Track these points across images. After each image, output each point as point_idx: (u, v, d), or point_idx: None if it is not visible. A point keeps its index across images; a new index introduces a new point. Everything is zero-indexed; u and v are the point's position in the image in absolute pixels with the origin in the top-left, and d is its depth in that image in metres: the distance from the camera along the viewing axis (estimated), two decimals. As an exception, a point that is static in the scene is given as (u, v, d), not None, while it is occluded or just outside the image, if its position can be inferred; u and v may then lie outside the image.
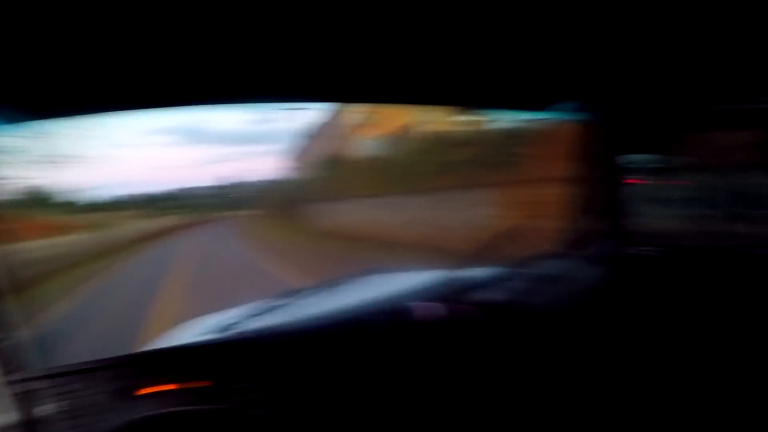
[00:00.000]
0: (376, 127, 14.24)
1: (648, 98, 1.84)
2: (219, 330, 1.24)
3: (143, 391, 1.06)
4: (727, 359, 1.67)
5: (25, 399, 1.02)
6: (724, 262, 1.81)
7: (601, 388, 1.66)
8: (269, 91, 1.41)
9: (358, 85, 1.48)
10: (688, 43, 1.37)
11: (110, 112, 1.26)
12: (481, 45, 1.30)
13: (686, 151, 2.14)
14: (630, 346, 1.79)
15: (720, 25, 1.23)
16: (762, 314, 1.64)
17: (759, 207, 1.92)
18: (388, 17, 1.08)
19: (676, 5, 1.12)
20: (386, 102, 1.85)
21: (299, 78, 1.36)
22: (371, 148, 14.90)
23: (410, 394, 1.19)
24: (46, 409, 1.03)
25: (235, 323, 1.25)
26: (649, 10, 1.14)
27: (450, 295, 1.35)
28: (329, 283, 1.43)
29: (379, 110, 12.18)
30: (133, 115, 1.29)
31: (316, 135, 16.60)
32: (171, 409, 1.04)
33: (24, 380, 1.03)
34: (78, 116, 1.21)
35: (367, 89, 1.52)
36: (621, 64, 1.55)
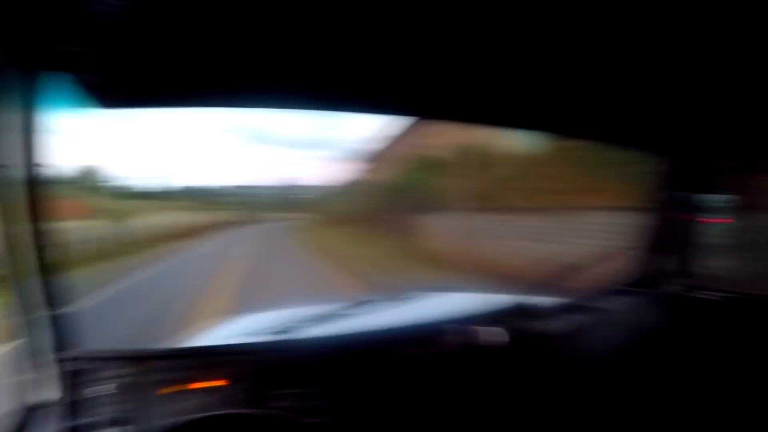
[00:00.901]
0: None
1: (718, 137, 1.80)
2: (273, 332, 1.24)
3: (191, 386, 1.08)
4: None
5: (71, 378, 1.05)
6: None
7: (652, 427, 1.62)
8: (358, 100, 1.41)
9: (447, 103, 1.44)
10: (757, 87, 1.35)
11: (183, 106, 1.32)
12: (577, 79, 1.29)
13: (758, 192, 2.06)
14: (683, 391, 1.74)
15: None
16: None
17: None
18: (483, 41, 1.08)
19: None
20: (474, 123, 1.80)
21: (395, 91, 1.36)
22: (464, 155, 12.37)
23: (464, 415, 1.16)
24: (91, 390, 1.06)
25: (289, 327, 1.25)
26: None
27: (513, 321, 1.32)
28: (392, 296, 1.43)
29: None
30: (202, 110, 1.37)
31: (404, 136, 14.99)
32: (216, 412, 1.05)
33: (71, 359, 1.06)
34: (151, 107, 1.30)
35: (453, 108, 1.49)
36: (692, 105, 1.52)
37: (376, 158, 17.59)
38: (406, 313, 1.38)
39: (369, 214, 16.63)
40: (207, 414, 0.93)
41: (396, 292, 1.44)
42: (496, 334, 1.27)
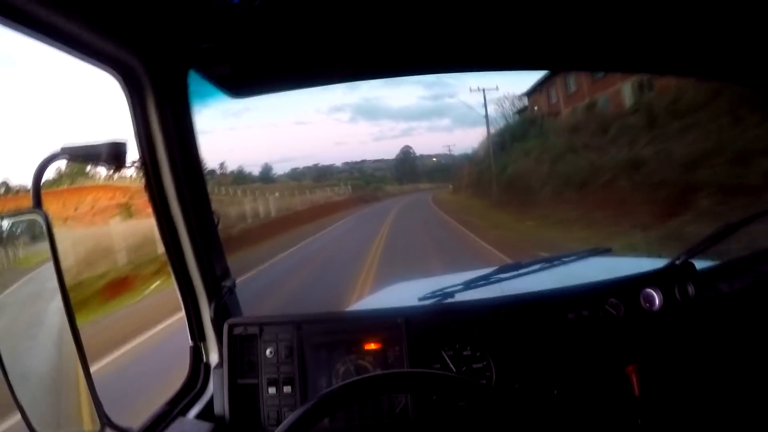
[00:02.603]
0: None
1: None
2: (435, 296, 1.28)
3: (350, 349, 1.14)
4: None
5: (238, 342, 1.16)
6: None
7: None
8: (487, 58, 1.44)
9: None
10: None
11: (302, 86, 1.43)
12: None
13: None
14: None
15: None
16: None
17: None
18: None
19: None
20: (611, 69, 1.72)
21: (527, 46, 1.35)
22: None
23: (623, 379, 1.12)
24: (255, 353, 1.16)
25: (452, 291, 1.29)
26: None
27: (672, 284, 1.23)
28: (549, 260, 1.40)
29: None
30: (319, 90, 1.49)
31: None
32: (375, 373, 1.09)
33: (237, 325, 1.17)
34: (274, 91, 1.43)
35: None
36: None
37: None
38: (562, 277, 1.37)
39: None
40: (365, 376, 0.95)
41: (549, 256, 1.41)
42: (653, 297, 1.22)
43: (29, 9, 0.74)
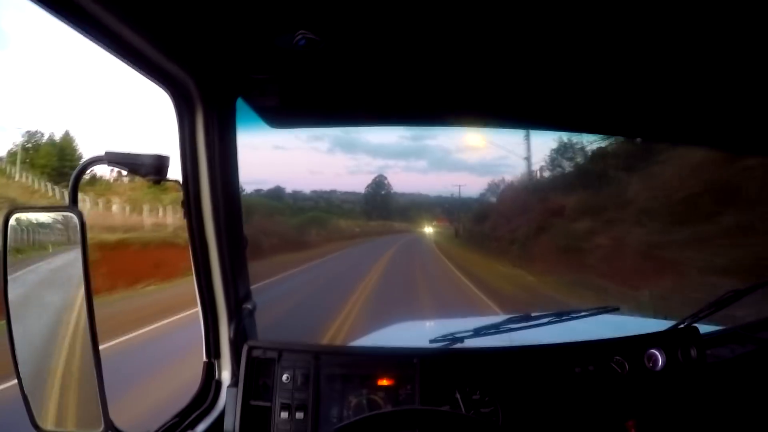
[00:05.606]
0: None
1: None
2: (446, 340, 1.32)
3: (361, 383, 1.15)
4: None
5: (252, 364, 1.17)
6: None
7: None
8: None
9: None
10: None
11: (334, 126, 1.58)
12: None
13: None
14: None
15: None
16: None
17: None
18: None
19: None
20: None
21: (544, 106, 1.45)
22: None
23: None
24: (269, 377, 1.16)
25: (462, 337, 1.32)
26: None
27: (681, 346, 1.26)
28: (558, 314, 1.44)
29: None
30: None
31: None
32: (385, 410, 1.10)
33: (253, 348, 1.18)
34: (308, 126, 1.59)
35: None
36: None
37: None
38: (570, 331, 1.41)
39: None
40: (377, 412, 0.96)
41: (559, 311, 1.46)
42: (657, 358, 1.25)
43: (108, 22, 0.81)
